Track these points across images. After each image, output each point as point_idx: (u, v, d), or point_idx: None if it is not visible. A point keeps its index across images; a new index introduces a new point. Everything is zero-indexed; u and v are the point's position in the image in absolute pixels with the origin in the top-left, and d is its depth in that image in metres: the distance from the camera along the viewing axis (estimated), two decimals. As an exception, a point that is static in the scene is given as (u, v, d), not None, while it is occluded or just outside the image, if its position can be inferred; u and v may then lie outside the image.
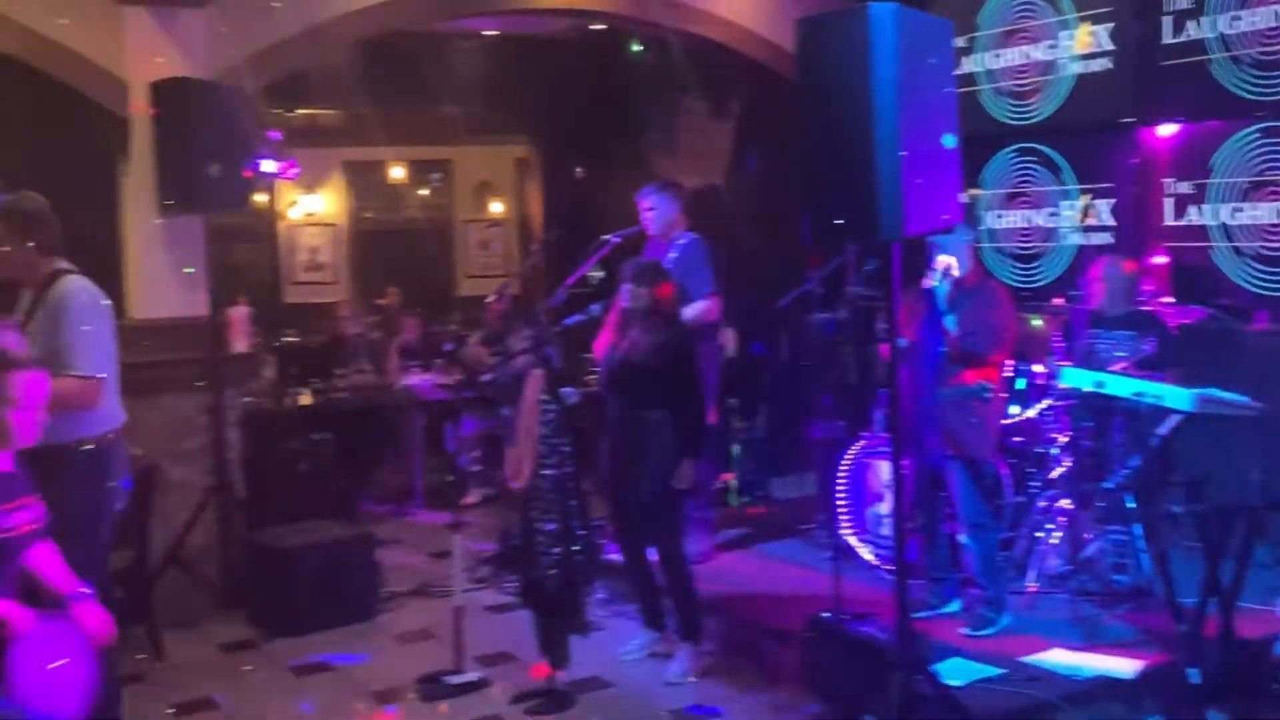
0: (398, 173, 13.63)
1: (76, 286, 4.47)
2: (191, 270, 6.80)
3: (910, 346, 5.41)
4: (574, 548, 5.14)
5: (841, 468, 6.50)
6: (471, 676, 5.46)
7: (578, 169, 11.00)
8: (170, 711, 5.30)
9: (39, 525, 3.59)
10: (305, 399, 8.46)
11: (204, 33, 6.80)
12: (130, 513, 5.06)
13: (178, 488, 6.50)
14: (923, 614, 5.44)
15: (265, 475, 7.11)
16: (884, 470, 6.27)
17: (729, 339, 7.38)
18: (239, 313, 7.51)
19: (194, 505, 6.49)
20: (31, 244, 4.50)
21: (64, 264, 4.56)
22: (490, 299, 8.17)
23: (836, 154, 4.04)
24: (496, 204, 13.85)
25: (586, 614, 5.36)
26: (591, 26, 10.06)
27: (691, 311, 6.17)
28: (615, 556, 5.73)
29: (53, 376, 3.81)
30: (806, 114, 4.15)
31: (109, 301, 4.58)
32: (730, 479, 8.06)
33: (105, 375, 4.40)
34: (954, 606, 5.68)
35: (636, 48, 9.99)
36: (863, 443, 6.52)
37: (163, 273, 6.76)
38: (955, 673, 4.90)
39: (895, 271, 4.23)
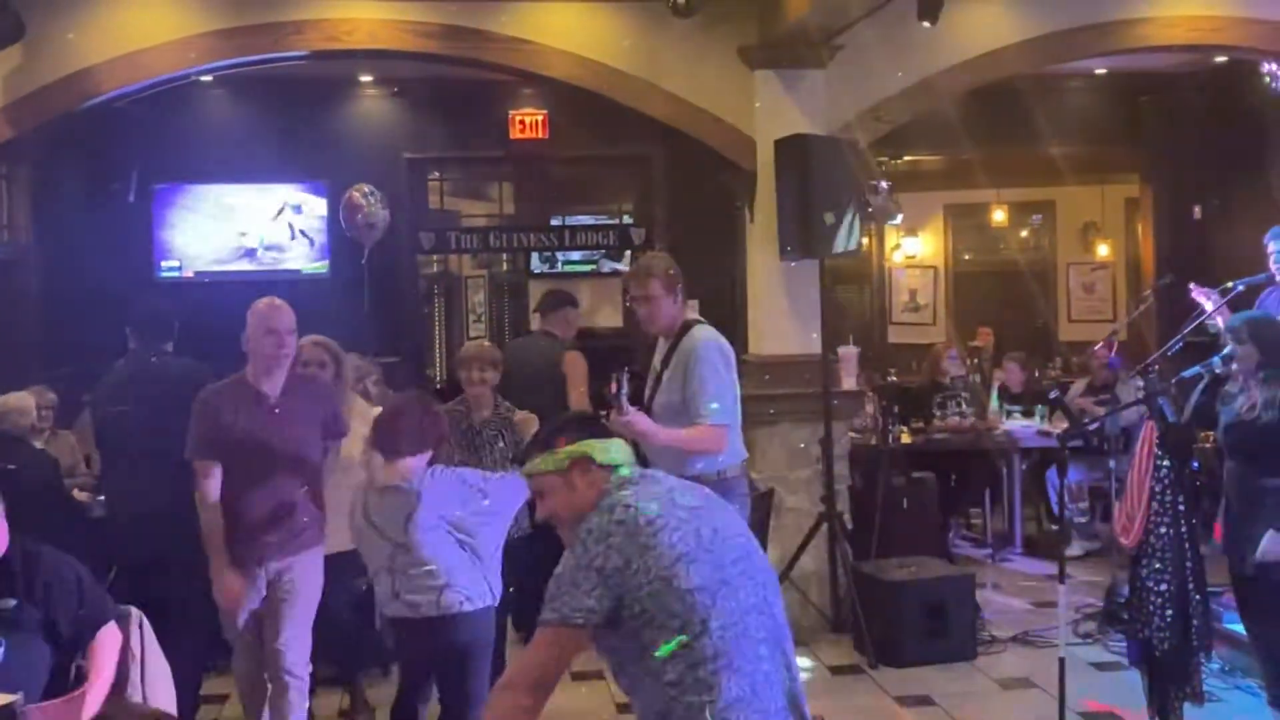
0: (998, 215, 13.59)
1: (707, 339, 4.91)
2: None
3: None
4: (1189, 612, 4.90)
5: None
6: (1077, 730, 5.36)
7: (1195, 209, 10.42)
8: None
9: None
10: (905, 437, 8.67)
11: (822, 91, 7.23)
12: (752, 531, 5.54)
13: (792, 512, 6.96)
14: None
15: (869, 508, 7.37)
16: None
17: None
18: (848, 352, 7.86)
19: (805, 530, 6.87)
20: (680, 300, 5.03)
21: (693, 314, 5.08)
22: (1097, 346, 7.97)
23: None
24: (1103, 246, 13.38)
25: (1202, 682, 5.07)
26: (1214, 60, 9.56)
27: None
28: (1235, 627, 5.38)
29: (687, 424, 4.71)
30: None
31: (730, 349, 5.00)
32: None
33: (729, 423, 4.87)
34: None
35: (1267, 80, 9.32)
36: None
37: (781, 313, 7.25)
38: None
39: None
